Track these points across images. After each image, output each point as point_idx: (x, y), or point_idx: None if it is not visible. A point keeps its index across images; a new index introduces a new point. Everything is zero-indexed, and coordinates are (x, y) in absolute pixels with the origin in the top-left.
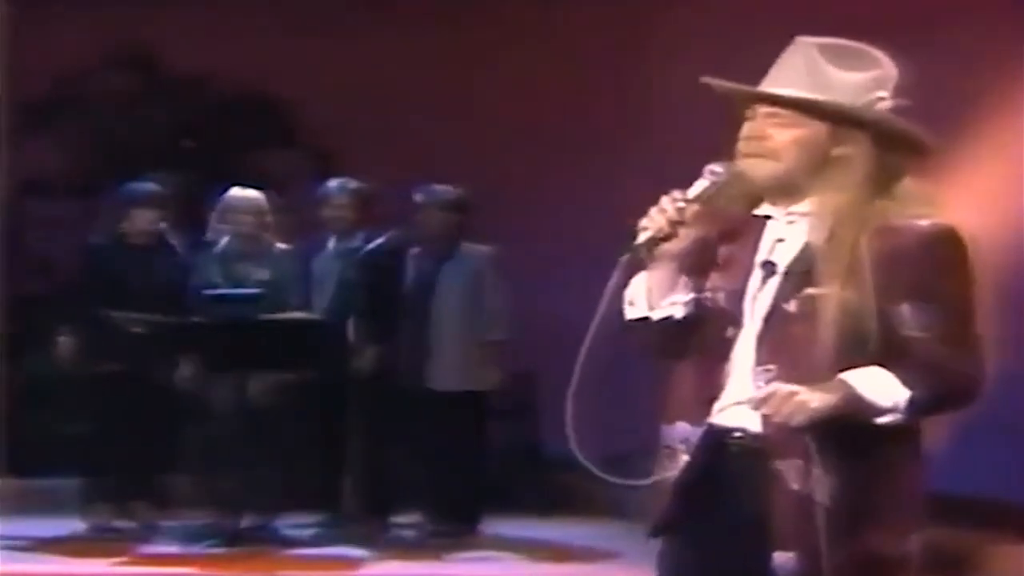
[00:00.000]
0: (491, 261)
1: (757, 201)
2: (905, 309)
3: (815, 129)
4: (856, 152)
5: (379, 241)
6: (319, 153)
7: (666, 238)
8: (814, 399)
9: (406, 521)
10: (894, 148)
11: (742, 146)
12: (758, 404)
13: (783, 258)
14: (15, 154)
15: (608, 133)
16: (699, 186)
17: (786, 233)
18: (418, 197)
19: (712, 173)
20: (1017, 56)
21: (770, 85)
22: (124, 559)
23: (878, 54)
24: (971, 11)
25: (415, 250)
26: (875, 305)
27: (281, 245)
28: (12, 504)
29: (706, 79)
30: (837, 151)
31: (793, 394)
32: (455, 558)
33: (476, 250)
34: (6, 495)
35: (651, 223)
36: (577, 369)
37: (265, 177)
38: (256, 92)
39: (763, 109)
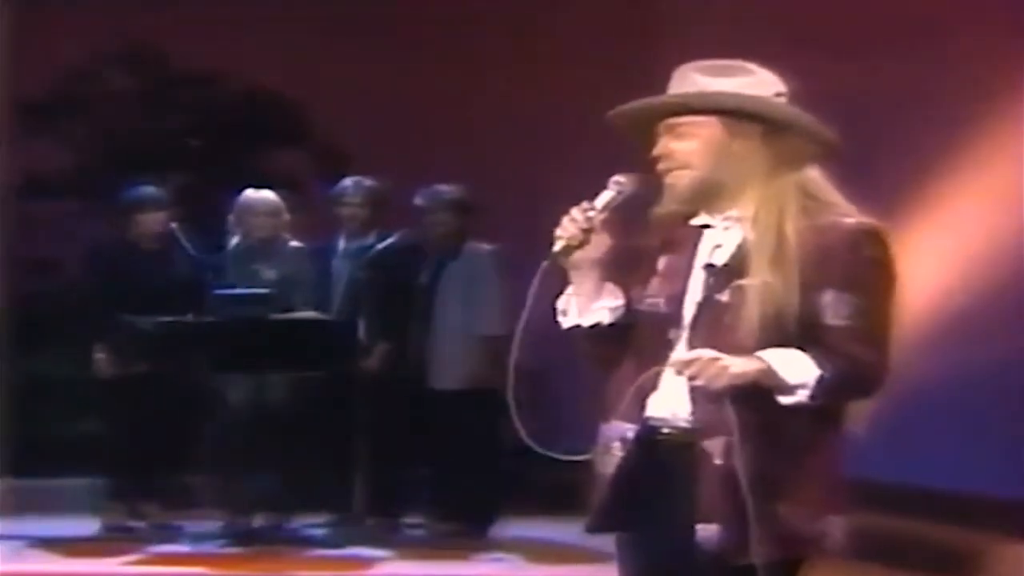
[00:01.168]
0: (493, 259)
1: (691, 213)
2: (827, 298)
3: (712, 131)
4: (753, 144)
5: (391, 240)
6: (330, 152)
7: (579, 245)
8: (735, 365)
9: (418, 521)
10: (788, 136)
11: (660, 166)
12: (683, 366)
13: (721, 260)
14: (20, 154)
15: (612, 132)
16: (605, 196)
17: (723, 238)
18: (418, 200)
19: (617, 184)
20: (1017, 56)
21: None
22: (137, 559)
23: (756, 66)
24: (971, 12)
25: (420, 250)
26: (799, 294)
27: (294, 243)
28: (24, 504)
29: (610, 112)
30: (737, 147)
31: (716, 359)
32: (466, 558)
33: (480, 249)
34: (17, 495)
35: (564, 231)
36: (510, 371)
37: (276, 176)
38: (266, 91)
39: (663, 127)
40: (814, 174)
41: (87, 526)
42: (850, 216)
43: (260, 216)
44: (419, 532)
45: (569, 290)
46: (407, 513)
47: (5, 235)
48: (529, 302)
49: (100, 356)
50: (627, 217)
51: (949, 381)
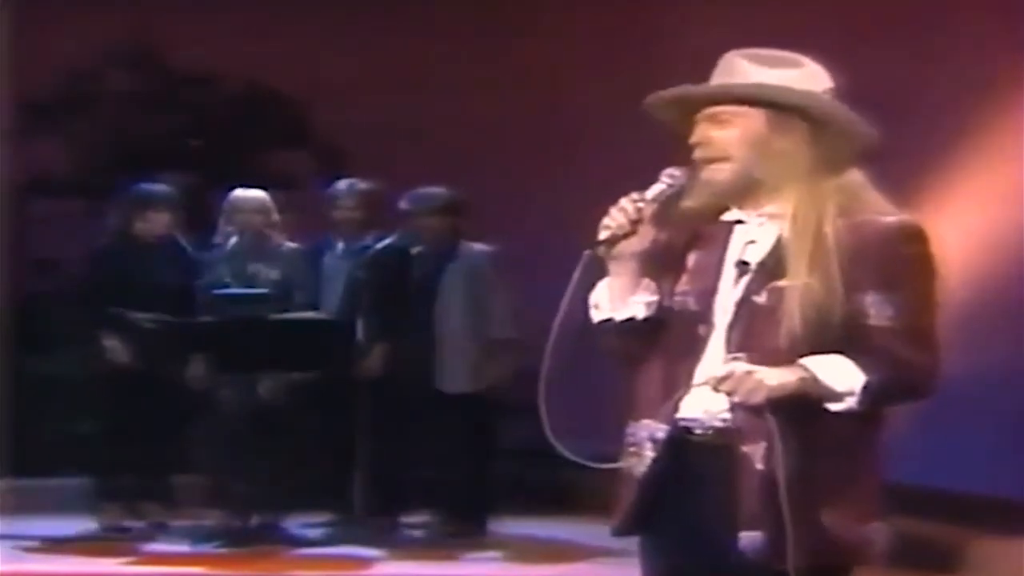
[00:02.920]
0: (492, 260)
1: (722, 208)
2: (870, 299)
3: (754, 123)
4: (797, 142)
5: (387, 241)
6: (328, 153)
7: (626, 236)
8: (772, 378)
9: (415, 521)
10: (832, 135)
11: (697, 154)
12: (718, 383)
13: (755, 257)
14: (22, 153)
15: (616, 133)
16: (656, 188)
17: (756, 235)
18: (404, 204)
19: (669, 176)
20: (1017, 56)
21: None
22: (134, 558)
23: (803, 58)
24: (971, 11)
25: (416, 250)
26: (841, 295)
27: (291, 244)
28: (21, 504)
29: (648, 98)
30: (779, 143)
31: (751, 373)
32: (465, 558)
33: (477, 250)
34: (14, 495)
35: (612, 221)
36: (547, 358)
37: (274, 177)
38: (265, 91)
39: (703, 115)
40: (855, 174)
41: (84, 526)
42: (889, 214)
43: (248, 213)
44: (416, 532)
45: (604, 282)
46: (404, 513)
47: (7, 234)
48: (568, 295)
49: (111, 343)
50: (674, 212)
51: (947, 381)
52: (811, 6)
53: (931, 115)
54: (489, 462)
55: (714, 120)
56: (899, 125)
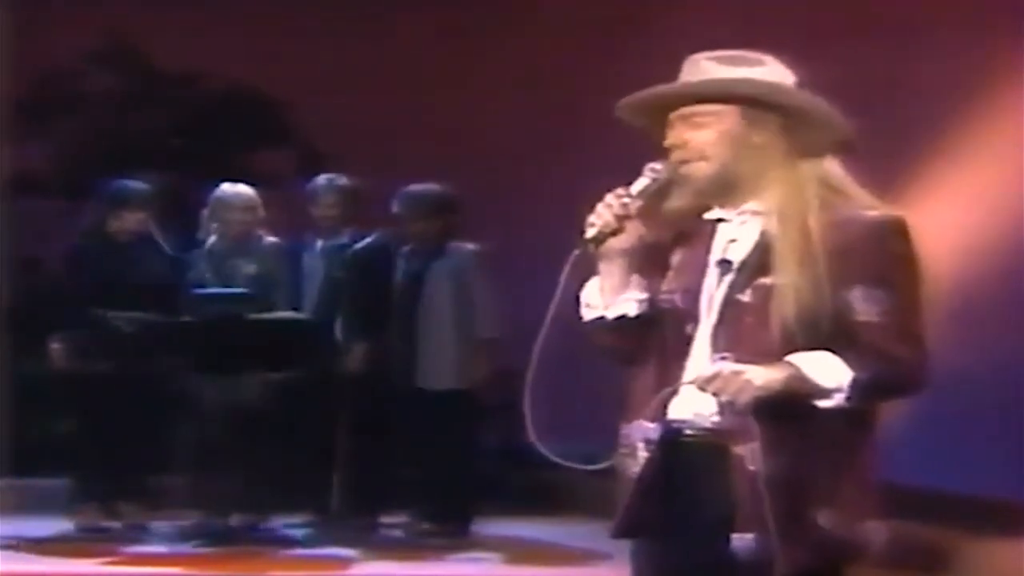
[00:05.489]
0: (478, 259)
1: (704, 207)
2: (857, 294)
3: (729, 121)
4: (773, 136)
5: (367, 240)
6: (310, 152)
7: (613, 233)
8: (759, 377)
9: (396, 521)
10: (806, 126)
11: (673, 156)
12: (705, 383)
13: (737, 255)
14: (4, 152)
15: (602, 131)
16: (641, 183)
17: (738, 233)
18: (395, 207)
19: (652, 171)
20: (1017, 56)
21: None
22: (112, 559)
23: (766, 56)
24: (971, 11)
25: (405, 248)
26: (828, 291)
27: (271, 238)
28: (1, 504)
29: (621, 102)
30: (755, 138)
31: (739, 373)
32: (446, 558)
33: (464, 248)
34: None
35: (598, 218)
36: (534, 358)
37: (256, 175)
38: (247, 90)
39: (676, 116)
40: (833, 166)
41: (61, 526)
42: (872, 209)
43: (236, 211)
44: (396, 532)
45: (594, 281)
46: (385, 513)
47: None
48: (558, 294)
49: (56, 347)
50: (658, 207)
51: (946, 382)
52: (809, 14)
53: (924, 109)
54: (471, 462)
55: (688, 122)
56: (891, 119)
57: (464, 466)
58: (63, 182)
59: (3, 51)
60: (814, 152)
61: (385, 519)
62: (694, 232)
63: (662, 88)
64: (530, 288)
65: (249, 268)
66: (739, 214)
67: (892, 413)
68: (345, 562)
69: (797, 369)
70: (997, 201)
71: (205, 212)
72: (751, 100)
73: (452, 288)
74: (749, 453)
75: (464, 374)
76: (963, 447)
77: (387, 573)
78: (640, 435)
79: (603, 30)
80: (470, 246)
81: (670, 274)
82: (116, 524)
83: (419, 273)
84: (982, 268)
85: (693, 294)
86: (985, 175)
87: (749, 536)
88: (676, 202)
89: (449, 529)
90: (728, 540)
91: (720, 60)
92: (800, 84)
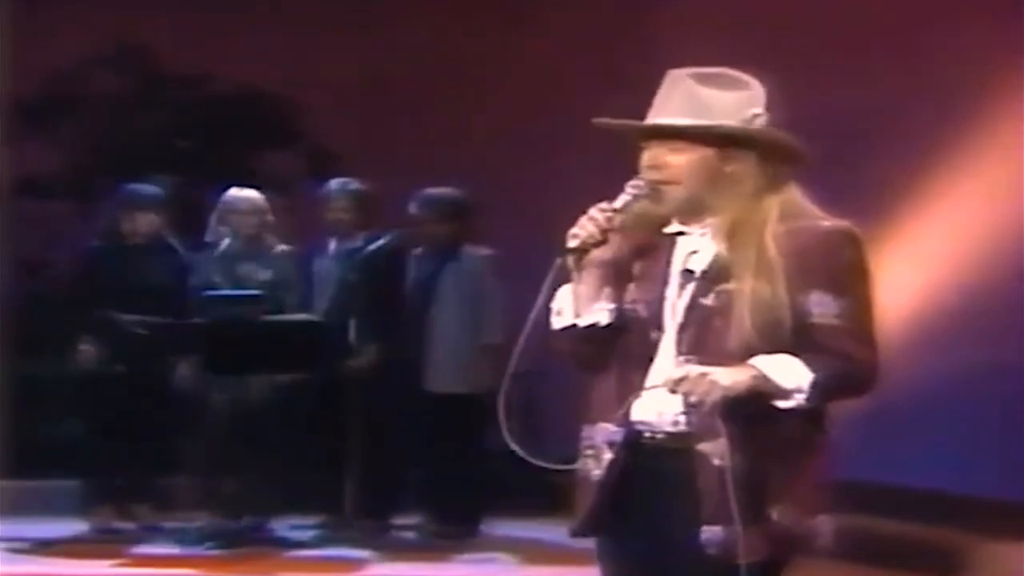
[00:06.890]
0: (490, 264)
1: (666, 221)
2: (813, 297)
3: (706, 152)
4: (745, 167)
5: (380, 243)
6: (320, 154)
7: (597, 245)
8: (725, 378)
9: (406, 522)
10: (777, 158)
11: (650, 176)
12: (674, 385)
13: (699, 265)
14: (10, 154)
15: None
16: (623, 199)
17: (699, 245)
18: (412, 208)
19: (634, 187)
20: (1017, 56)
21: (656, 116)
22: (124, 560)
23: (746, 76)
24: (971, 11)
25: (418, 250)
26: (785, 296)
27: (282, 246)
28: (12, 505)
29: (597, 120)
30: (729, 168)
31: (705, 375)
32: (456, 559)
33: (477, 253)
34: (6, 497)
35: (583, 230)
36: (511, 363)
37: (265, 178)
38: (256, 92)
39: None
40: (793, 189)
41: (75, 528)
42: (824, 219)
43: (243, 215)
44: (407, 533)
45: (565, 289)
46: (395, 514)
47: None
48: (540, 302)
49: (85, 348)
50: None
51: (945, 381)
52: (808, 4)
53: (932, 115)
54: (480, 464)
55: (665, 145)
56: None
57: (474, 468)
58: (71, 185)
59: (11, 53)
60: (782, 179)
61: (395, 521)
62: (654, 245)
63: (636, 124)
64: (529, 296)
65: (261, 274)
66: (700, 228)
67: (891, 414)
68: (357, 564)
69: (761, 371)
70: (997, 202)
71: (214, 216)
72: (730, 139)
73: (463, 292)
74: (713, 449)
75: (472, 378)
76: (964, 449)
77: (397, 574)
78: (603, 437)
79: (615, 32)
80: (484, 250)
81: (631, 285)
82: (130, 525)
83: (432, 276)
84: (982, 269)
85: (657, 303)
86: (985, 176)
87: (717, 528)
88: (640, 214)
89: (459, 530)
90: (693, 535)
91: (702, 80)
92: (773, 101)
